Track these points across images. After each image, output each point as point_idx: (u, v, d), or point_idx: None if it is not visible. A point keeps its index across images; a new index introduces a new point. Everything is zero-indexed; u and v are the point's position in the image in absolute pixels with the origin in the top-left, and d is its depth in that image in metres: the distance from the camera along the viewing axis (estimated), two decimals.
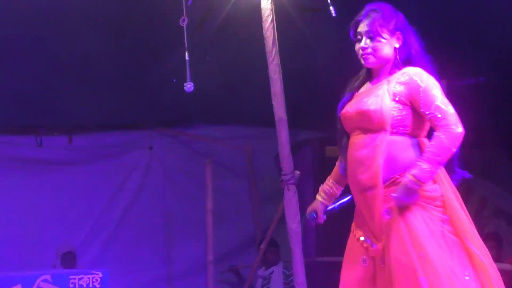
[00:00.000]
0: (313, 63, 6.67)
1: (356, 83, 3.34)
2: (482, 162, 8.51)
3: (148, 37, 6.22)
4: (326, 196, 3.52)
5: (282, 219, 5.70)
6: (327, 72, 6.55)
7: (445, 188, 3.08)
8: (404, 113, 3.10)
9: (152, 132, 8.33)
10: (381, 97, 3.11)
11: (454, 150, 3.02)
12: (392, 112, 3.08)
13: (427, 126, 3.15)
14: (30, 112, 7.06)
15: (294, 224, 5.21)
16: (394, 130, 3.08)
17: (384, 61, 3.23)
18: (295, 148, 6.03)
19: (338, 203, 3.47)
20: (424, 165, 2.97)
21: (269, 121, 5.41)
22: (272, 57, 5.23)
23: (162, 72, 6.46)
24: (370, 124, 3.10)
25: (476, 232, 3.12)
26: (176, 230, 8.36)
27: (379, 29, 3.19)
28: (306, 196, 5.88)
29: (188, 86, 5.05)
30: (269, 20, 5.20)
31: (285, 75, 5.24)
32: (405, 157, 3.10)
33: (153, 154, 8.34)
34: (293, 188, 5.23)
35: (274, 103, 5.22)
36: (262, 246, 7.52)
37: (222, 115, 7.99)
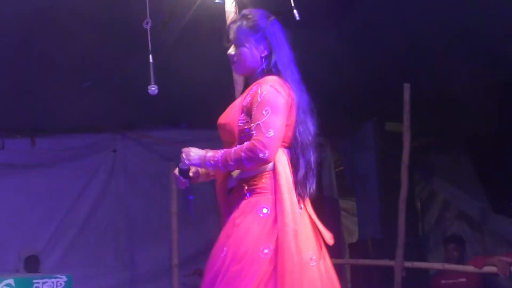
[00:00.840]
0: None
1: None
2: (446, 166, 8.63)
3: (111, 39, 6.17)
4: (204, 172, 3.42)
5: None
6: None
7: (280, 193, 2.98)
8: (249, 126, 3.02)
9: (116, 135, 8.29)
10: (233, 110, 3.09)
11: (247, 167, 2.97)
12: (240, 124, 3.04)
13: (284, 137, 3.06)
14: None
15: None
16: (244, 141, 3.00)
17: (249, 69, 3.16)
18: None
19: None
20: (218, 156, 3.00)
21: None
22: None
23: (125, 74, 6.43)
24: (224, 136, 3.12)
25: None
26: (140, 234, 8.33)
27: (243, 37, 3.13)
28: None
29: (153, 89, 5.02)
30: None
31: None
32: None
33: (116, 157, 8.30)
34: None
35: None
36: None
37: (185, 117, 7.97)
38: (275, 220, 2.90)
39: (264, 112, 2.93)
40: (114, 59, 6.44)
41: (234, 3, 5.23)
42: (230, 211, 3.04)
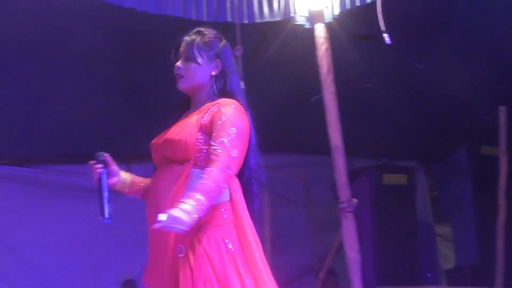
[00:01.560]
0: (369, 91, 6.63)
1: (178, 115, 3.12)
2: None
3: None
4: (129, 179, 3.18)
5: (340, 248, 5.64)
6: (383, 100, 6.51)
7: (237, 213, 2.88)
8: (206, 146, 2.88)
9: None
10: (189, 127, 2.90)
11: (223, 188, 2.78)
12: (198, 143, 2.88)
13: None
14: (91, 141, 7.18)
15: (352, 253, 5.16)
16: (199, 163, 2.86)
17: (195, 86, 3.03)
18: (352, 176, 5.98)
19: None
20: (202, 198, 2.67)
21: (325, 148, 5.39)
22: (327, 85, 5.23)
23: None
24: (174, 154, 2.89)
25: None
26: None
27: (196, 52, 3.00)
28: (364, 225, 5.80)
29: None
30: (324, 47, 5.21)
31: (340, 102, 5.22)
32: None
33: None
34: (350, 216, 5.18)
35: (330, 131, 5.21)
36: (321, 276, 7.45)
37: (277, 143, 7.99)
38: (242, 256, 2.85)
39: (229, 131, 2.82)
40: None
41: (324, 28, 5.24)
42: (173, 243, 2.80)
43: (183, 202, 2.64)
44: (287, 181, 8.31)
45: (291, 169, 8.33)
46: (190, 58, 3.00)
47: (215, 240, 2.79)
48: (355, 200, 5.21)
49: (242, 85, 5.07)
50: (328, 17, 5.28)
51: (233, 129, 2.84)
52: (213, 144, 2.81)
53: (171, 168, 2.90)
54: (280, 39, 5.65)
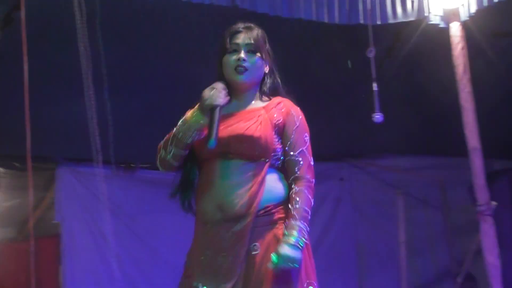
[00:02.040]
0: (508, 91, 6.41)
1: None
2: None
3: (335, 70, 6.29)
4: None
5: (479, 252, 5.49)
6: None
7: None
8: (279, 146, 2.88)
9: (343, 163, 8.37)
10: (264, 125, 2.83)
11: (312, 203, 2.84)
12: (274, 142, 2.85)
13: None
14: None
15: (492, 258, 5.02)
16: (272, 162, 2.85)
17: (256, 81, 2.93)
18: (490, 178, 5.80)
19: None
20: (302, 225, 2.80)
21: (461, 150, 5.27)
22: (464, 85, 5.11)
23: (350, 103, 6.50)
24: (252, 151, 2.80)
25: None
26: (368, 262, 8.29)
27: (261, 46, 2.90)
28: (504, 228, 5.61)
29: (377, 116, 5.06)
30: (459, 47, 5.10)
31: (477, 103, 5.09)
32: (279, 188, 2.87)
33: (343, 186, 8.37)
34: (489, 219, 5.04)
35: (466, 132, 5.09)
36: (459, 281, 7.27)
37: (412, 145, 7.87)
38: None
39: (305, 138, 2.90)
40: (340, 87, 6.54)
41: (460, 27, 5.12)
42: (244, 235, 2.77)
43: (287, 235, 2.74)
44: (423, 183, 8.17)
45: (427, 171, 8.18)
46: (256, 51, 2.90)
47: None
48: (494, 202, 5.06)
49: (374, 86, 5.11)
50: (464, 15, 5.15)
51: (306, 135, 2.93)
52: (294, 154, 2.87)
53: (240, 164, 2.80)
54: (414, 39, 5.56)
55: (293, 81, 6.24)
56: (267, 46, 2.97)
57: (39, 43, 4.95)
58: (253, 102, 2.94)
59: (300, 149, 2.88)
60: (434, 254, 8.27)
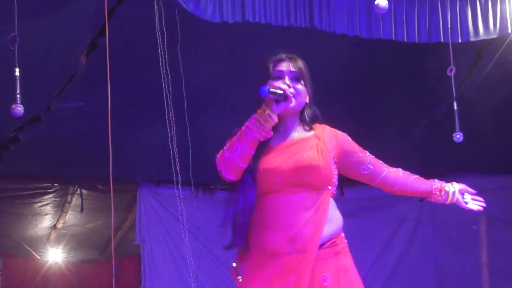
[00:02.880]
0: None
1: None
2: None
3: (415, 89, 6.22)
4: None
5: None
6: None
7: None
8: (336, 172, 2.89)
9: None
10: (324, 153, 2.82)
11: None
12: (334, 169, 2.87)
13: None
14: None
15: None
16: (333, 191, 2.85)
17: (298, 108, 2.86)
18: None
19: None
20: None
21: None
22: None
23: (433, 122, 6.42)
24: (317, 180, 2.78)
25: None
26: (449, 284, 8.12)
27: (304, 74, 2.86)
28: None
29: (458, 136, 4.97)
30: None
31: None
32: (339, 216, 2.87)
33: (423, 206, 8.24)
34: None
35: None
36: None
37: (496, 164, 7.69)
38: None
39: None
40: (418, 107, 6.47)
41: None
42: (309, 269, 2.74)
43: (448, 186, 3.20)
44: (507, 204, 7.96)
45: (510, 191, 7.97)
46: (299, 79, 2.87)
47: (353, 264, 2.91)
48: None
49: (455, 105, 5.03)
50: None
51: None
52: (368, 155, 2.96)
53: (305, 195, 2.78)
54: (497, 57, 5.45)
55: (373, 100, 6.25)
56: (309, 76, 2.95)
57: (121, 68, 5.08)
58: (298, 131, 2.93)
59: (369, 154, 2.98)
60: None
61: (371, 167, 2.95)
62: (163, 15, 4.57)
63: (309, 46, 5.40)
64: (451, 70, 5.01)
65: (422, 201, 8.22)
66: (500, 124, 6.62)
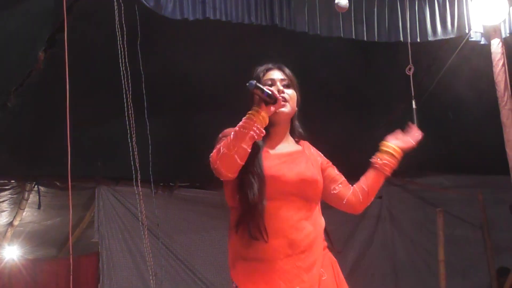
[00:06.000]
0: None
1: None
2: None
3: (375, 87, 6.27)
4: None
5: None
6: None
7: None
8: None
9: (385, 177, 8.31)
10: (316, 168, 2.95)
11: None
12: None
13: None
14: None
15: None
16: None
17: (291, 115, 2.94)
18: None
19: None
20: None
21: (501, 168, 5.20)
22: (504, 102, 5.06)
23: (389, 121, 6.47)
24: (314, 194, 2.90)
25: None
26: (406, 280, 8.22)
27: (293, 82, 2.93)
28: None
29: (416, 134, 5.01)
30: (500, 64, 5.05)
31: None
32: (323, 221, 2.98)
33: (382, 203, 8.32)
34: None
35: (507, 150, 5.02)
36: None
37: (452, 163, 7.80)
38: None
39: None
40: (380, 104, 6.52)
41: (500, 44, 5.08)
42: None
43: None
44: (463, 202, 8.09)
45: (467, 189, 8.09)
46: (290, 86, 2.93)
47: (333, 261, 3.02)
48: None
49: (413, 104, 5.08)
50: (504, 32, 5.11)
51: None
52: (341, 176, 3.04)
53: (299, 204, 2.85)
54: (454, 57, 5.52)
55: (334, 98, 6.27)
56: (297, 84, 2.99)
57: (80, 65, 5.02)
58: (289, 142, 2.99)
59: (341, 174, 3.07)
60: (474, 274, 8.16)
61: (341, 187, 3.01)
62: (122, 11, 4.54)
63: (273, 46, 5.43)
64: (409, 69, 5.07)
65: (381, 198, 8.31)
66: (456, 123, 6.70)
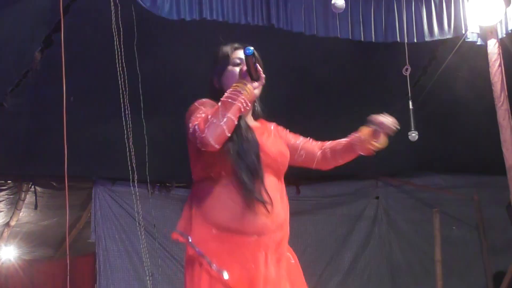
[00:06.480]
0: None
1: None
2: None
3: (372, 87, 6.27)
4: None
5: None
6: None
7: None
8: None
9: (378, 182, 8.33)
10: (282, 143, 2.93)
11: None
12: None
13: None
14: None
15: None
16: None
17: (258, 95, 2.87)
18: None
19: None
20: None
21: (497, 168, 5.20)
22: (501, 102, 5.06)
23: None
24: (284, 168, 2.87)
25: None
26: (403, 281, 8.21)
27: (261, 63, 2.82)
28: None
29: (413, 135, 5.03)
30: (497, 64, 5.06)
31: None
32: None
33: (379, 204, 8.32)
34: None
35: (504, 150, 5.03)
36: None
37: (448, 163, 7.80)
38: None
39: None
40: (377, 104, 6.51)
41: (497, 44, 5.08)
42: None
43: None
44: (460, 202, 8.09)
45: (464, 190, 8.10)
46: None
47: None
48: None
49: (410, 104, 5.09)
50: (501, 33, 5.12)
51: None
52: (303, 138, 3.04)
53: (274, 178, 2.80)
54: (451, 57, 5.53)
55: (330, 96, 6.28)
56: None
57: (77, 65, 5.02)
58: (249, 118, 2.92)
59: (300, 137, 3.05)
60: (470, 274, 8.16)
61: (303, 153, 3.00)
62: (119, 11, 4.53)
63: (270, 47, 5.42)
64: (406, 69, 5.08)
65: (377, 198, 8.31)
66: (453, 123, 6.71)
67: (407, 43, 5.02)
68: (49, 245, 8.60)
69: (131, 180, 5.36)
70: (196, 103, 2.80)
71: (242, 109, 2.67)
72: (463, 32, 5.12)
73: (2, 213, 7.81)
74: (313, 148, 3.02)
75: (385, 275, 8.27)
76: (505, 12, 5.11)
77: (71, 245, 7.68)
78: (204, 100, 2.83)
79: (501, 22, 5.10)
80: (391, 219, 8.32)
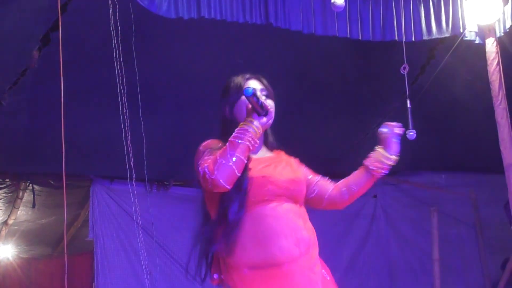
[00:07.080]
0: None
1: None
2: None
3: (370, 86, 6.27)
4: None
5: None
6: None
7: None
8: None
9: (377, 180, 8.33)
10: (298, 170, 2.96)
11: None
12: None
13: None
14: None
15: None
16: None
17: (270, 125, 2.85)
18: None
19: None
20: None
21: (495, 167, 5.21)
22: (499, 101, 5.06)
23: (384, 120, 6.47)
24: (301, 195, 2.87)
25: None
26: (401, 279, 8.23)
27: (272, 92, 2.89)
28: None
29: (411, 133, 5.02)
30: (495, 63, 5.06)
31: None
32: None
33: (377, 203, 8.33)
34: None
35: (502, 148, 5.03)
36: None
37: (446, 162, 7.81)
38: None
39: None
40: (375, 103, 6.52)
41: (495, 43, 5.08)
42: None
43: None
44: (457, 200, 8.10)
45: (461, 188, 8.11)
46: (269, 97, 2.89)
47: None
48: None
49: (408, 103, 5.09)
50: (499, 31, 5.12)
51: None
52: (322, 177, 3.05)
53: (292, 205, 2.82)
54: (449, 56, 5.52)
55: (328, 94, 6.28)
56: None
57: (75, 63, 5.01)
58: (263, 150, 2.95)
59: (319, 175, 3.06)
60: (468, 272, 8.18)
61: (317, 189, 3.01)
62: (117, 10, 4.53)
63: (268, 46, 5.43)
64: (404, 68, 5.07)
65: (375, 197, 8.32)
66: (451, 122, 6.71)
67: (405, 41, 5.02)
68: (47, 244, 8.61)
69: (129, 179, 5.35)
70: (201, 147, 2.81)
71: (251, 147, 2.67)
72: (461, 30, 5.12)
73: (0, 211, 7.82)
74: (327, 185, 3.03)
75: (383, 273, 8.29)
76: (503, 11, 5.11)
77: (69, 243, 7.69)
78: (208, 141, 2.83)
79: (499, 20, 5.10)
80: (389, 218, 8.33)
